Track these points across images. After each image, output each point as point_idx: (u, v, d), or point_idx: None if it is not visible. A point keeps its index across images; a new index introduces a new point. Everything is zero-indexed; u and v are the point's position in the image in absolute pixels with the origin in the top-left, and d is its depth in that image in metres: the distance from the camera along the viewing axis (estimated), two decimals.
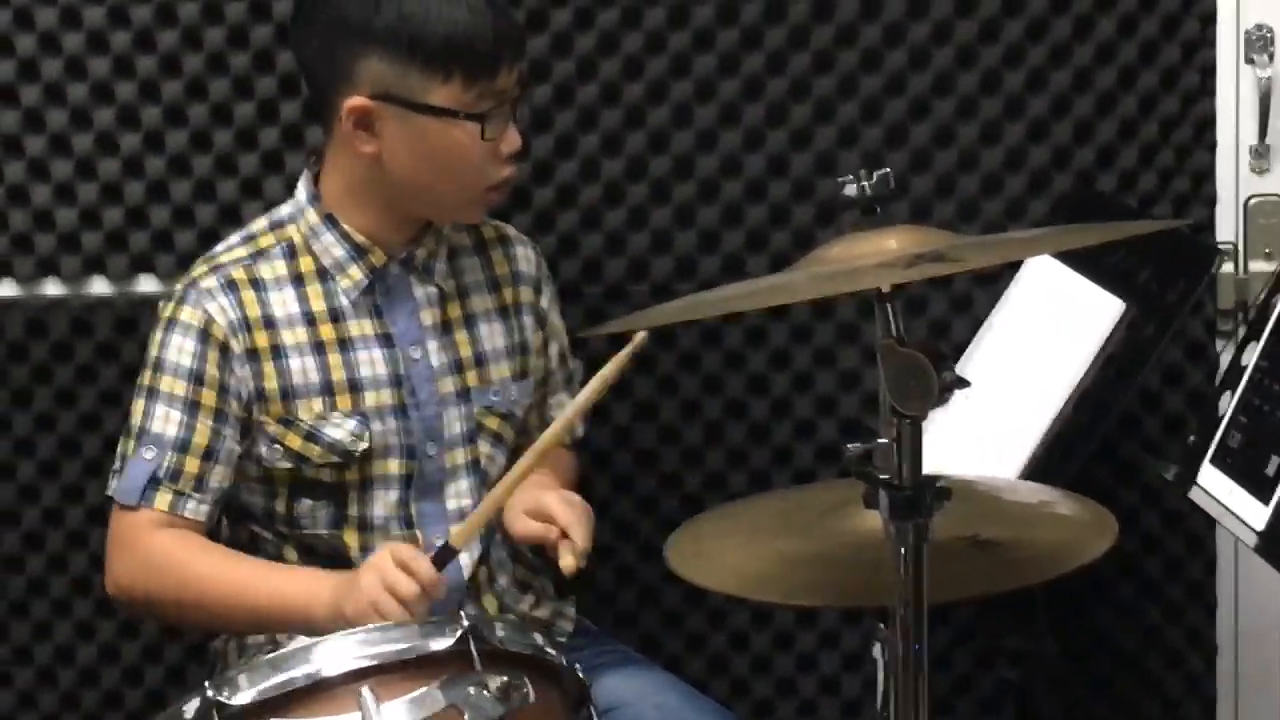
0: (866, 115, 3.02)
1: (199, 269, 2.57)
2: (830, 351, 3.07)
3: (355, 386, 2.54)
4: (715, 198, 3.04)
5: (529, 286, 2.71)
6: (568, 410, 2.46)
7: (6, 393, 3.03)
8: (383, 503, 2.57)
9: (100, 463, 3.01)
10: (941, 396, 1.86)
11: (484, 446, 2.63)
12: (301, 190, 2.59)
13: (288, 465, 2.54)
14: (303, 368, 2.53)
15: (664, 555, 2.15)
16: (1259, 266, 3.03)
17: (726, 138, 3.02)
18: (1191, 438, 2.50)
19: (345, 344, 2.55)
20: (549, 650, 2.11)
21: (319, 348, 2.54)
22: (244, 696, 1.98)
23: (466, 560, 2.59)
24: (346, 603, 2.35)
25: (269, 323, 2.53)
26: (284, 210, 2.61)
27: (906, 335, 1.89)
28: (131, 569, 2.52)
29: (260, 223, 2.62)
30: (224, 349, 2.51)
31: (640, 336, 2.39)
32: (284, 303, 2.54)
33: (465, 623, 2.02)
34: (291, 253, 2.57)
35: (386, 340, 2.57)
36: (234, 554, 2.56)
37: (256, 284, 2.54)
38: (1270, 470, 2.30)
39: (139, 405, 2.53)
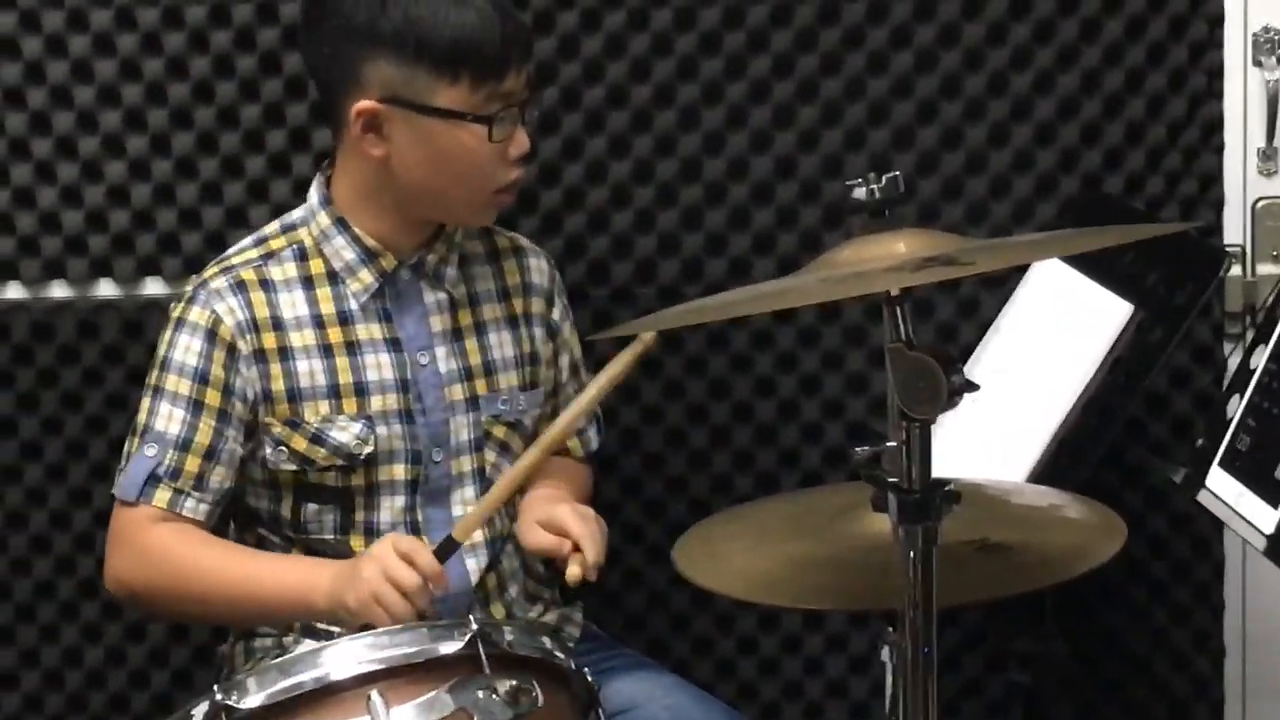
0: (874, 118, 3.02)
1: (210, 270, 2.57)
2: (838, 354, 3.07)
3: (361, 390, 2.54)
4: (722, 200, 3.03)
5: (541, 298, 2.70)
6: (573, 405, 2.46)
7: (13, 396, 3.03)
8: (388, 508, 2.57)
9: (107, 466, 3.00)
10: (950, 400, 1.85)
11: (490, 455, 2.63)
12: (314, 193, 2.59)
13: (292, 468, 2.54)
14: (310, 370, 2.53)
15: (672, 558, 2.14)
16: (1267, 269, 3.03)
17: (734, 140, 3.02)
18: (1200, 441, 2.49)
19: (353, 347, 2.55)
20: (558, 654, 2.11)
21: (327, 350, 2.54)
22: (253, 700, 1.98)
23: (474, 566, 2.59)
24: (348, 592, 2.35)
25: (277, 324, 2.53)
26: (296, 213, 2.61)
27: (915, 338, 1.89)
28: (129, 563, 2.53)
29: (273, 226, 2.62)
30: (231, 349, 2.51)
31: (649, 336, 2.39)
32: (293, 304, 2.54)
33: (474, 626, 2.02)
34: (302, 255, 2.57)
35: (394, 345, 2.57)
36: (233, 546, 2.57)
37: (266, 285, 2.54)
38: (1279, 474, 2.30)
39: (145, 403, 2.54)
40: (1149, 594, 3.13)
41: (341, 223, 2.55)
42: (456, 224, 2.61)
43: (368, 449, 2.54)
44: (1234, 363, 2.99)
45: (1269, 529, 2.30)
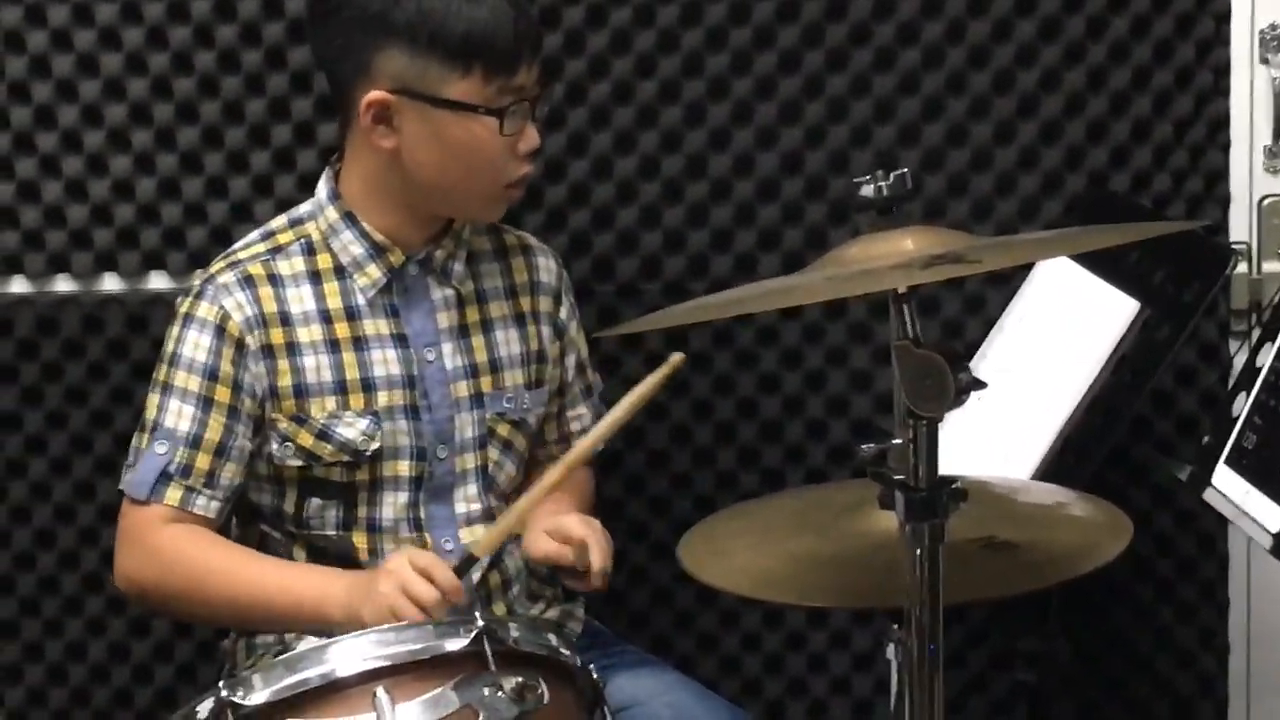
0: (880, 114, 3.01)
1: (217, 264, 2.56)
2: (842, 351, 3.07)
3: (368, 386, 2.54)
4: (728, 197, 3.03)
5: (548, 296, 2.70)
6: (598, 427, 2.46)
7: (17, 390, 3.03)
8: (392, 504, 2.57)
9: (112, 460, 3.00)
10: (958, 398, 1.85)
11: (494, 453, 2.63)
12: (322, 188, 2.58)
13: (298, 463, 2.54)
14: (316, 365, 2.53)
15: (676, 555, 2.14)
16: (1273, 267, 3.03)
17: (740, 137, 3.02)
18: (1206, 438, 2.49)
19: (360, 343, 2.54)
20: (563, 650, 2.11)
21: (333, 345, 2.53)
22: (258, 697, 1.98)
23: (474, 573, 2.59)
24: (364, 606, 2.35)
25: (285, 319, 2.52)
26: (304, 208, 2.61)
27: (921, 336, 1.89)
28: (140, 563, 2.52)
29: (280, 220, 2.61)
30: (239, 345, 2.50)
31: (677, 357, 2.39)
32: (300, 299, 2.53)
33: (480, 623, 2.02)
34: (310, 250, 2.56)
35: (401, 340, 2.56)
36: (245, 550, 2.56)
37: (274, 280, 2.53)
38: None
39: (153, 400, 2.53)
40: (1154, 592, 3.13)
41: (350, 217, 2.55)
42: (464, 218, 2.60)
43: (374, 445, 2.54)
44: (1240, 360, 2.99)
45: (1275, 527, 2.30)
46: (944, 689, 1.94)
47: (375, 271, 2.55)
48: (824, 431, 3.10)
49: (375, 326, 2.55)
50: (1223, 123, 3.01)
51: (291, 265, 2.55)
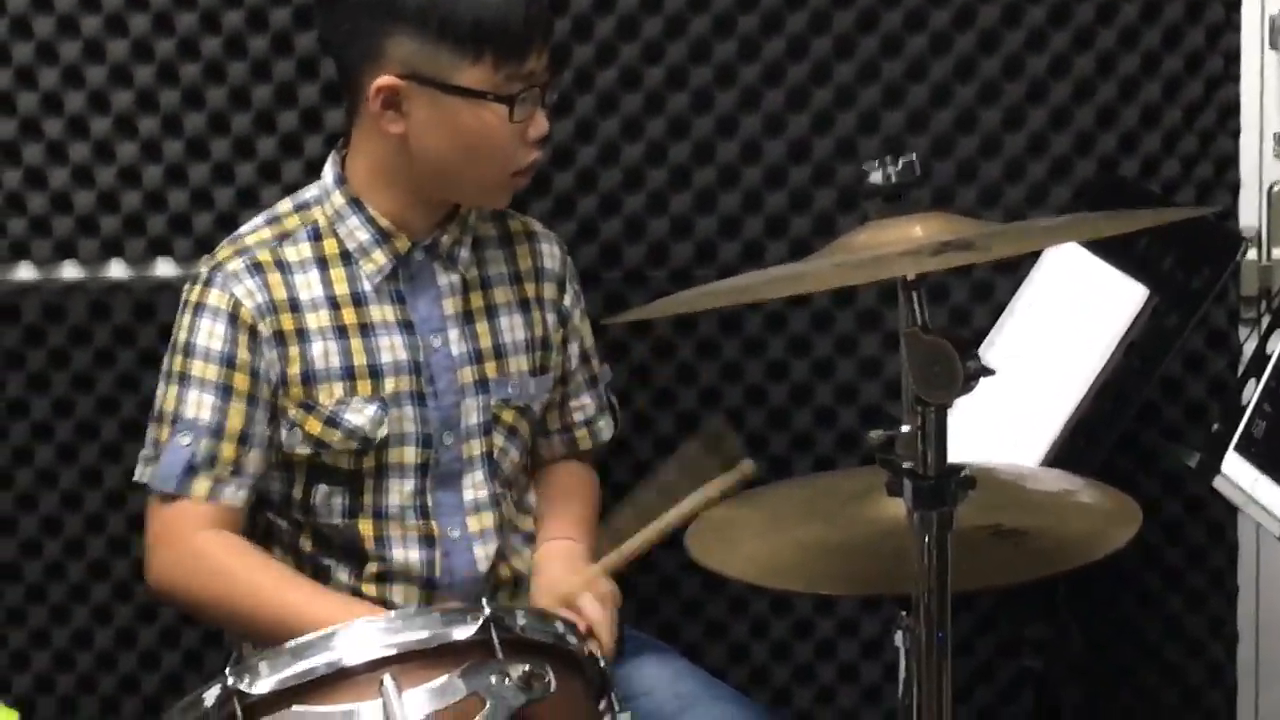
0: (887, 100, 3.01)
1: (224, 251, 2.55)
2: (851, 338, 3.06)
3: (375, 372, 2.53)
4: (736, 183, 3.03)
5: (553, 283, 2.69)
6: (658, 521, 2.47)
7: (24, 377, 3.03)
8: (398, 492, 2.56)
9: (119, 447, 3.01)
10: (966, 385, 1.85)
11: (499, 439, 2.62)
12: (328, 172, 2.57)
13: (307, 451, 2.53)
14: (324, 352, 2.52)
15: (684, 543, 2.14)
16: None
17: (747, 123, 3.01)
18: (1215, 426, 2.48)
19: (366, 329, 2.53)
20: (570, 639, 2.10)
21: (341, 332, 2.53)
22: (265, 684, 1.97)
23: (483, 554, 2.58)
24: None
25: (294, 305, 2.51)
26: (309, 192, 2.60)
27: (929, 322, 1.88)
28: (175, 567, 2.50)
29: (285, 204, 2.61)
30: (253, 332, 2.49)
31: (749, 466, 2.43)
32: (308, 285, 2.52)
33: (487, 611, 2.01)
34: (316, 235, 2.55)
35: (407, 327, 2.55)
36: (283, 569, 2.53)
37: (282, 266, 2.52)
38: None
39: (171, 391, 2.51)
40: (1163, 580, 3.13)
41: (356, 203, 2.54)
42: (471, 205, 2.60)
43: (382, 431, 2.53)
44: (1249, 348, 2.98)
45: None
46: (952, 676, 1.94)
47: (381, 257, 2.54)
48: (832, 419, 3.09)
49: (382, 312, 2.55)
50: (1233, 109, 3.01)
51: (298, 251, 2.54)
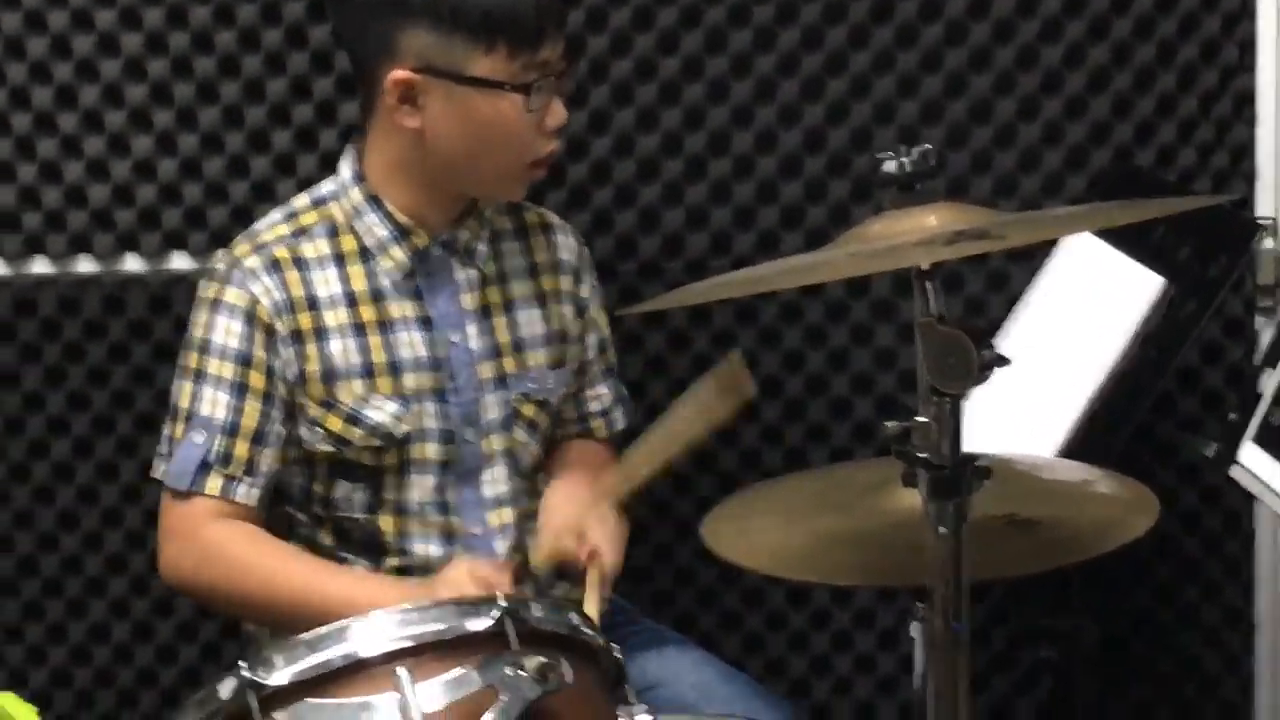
0: (903, 91, 3.00)
1: (241, 247, 2.55)
2: (867, 329, 3.06)
3: (395, 369, 2.53)
4: (751, 174, 3.02)
5: (570, 275, 2.69)
6: (655, 444, 2.45)
7: (40, 370, 3.03)
8: (419, 488, 2.56)
9: (133, 441, 3.01)
10: (981, 375, 1.84)
11: (519, 434, 2.62)
12: (345, 168, 2.57)
13: (328, 448, 2.53)
14: (344, 349, 2.51)
15: (700, 534, 2.13)
16: None
17: (762, 113, 3.01)
18: (1232, 415, 2.48)
19: (385, 325, 2.53)
20: (586, 630, 2.10)
21: (359, 329, 2.52)
22: (280, 676, 1.97)
23: (502, 548, 2.58)
24: None
25: (312, 303, 2.51)
26: (326, 187, 2.59)
27: (945, 313, 1.88)
28: (188, 559, 2.51)
29: (302, 199, 2.60)
30: (270, 330, 2.49)
31: (748, 390, 2.44)
32: (326, 282, 2.52)
33: (502, 603, 2.01)
34: (334, 231, 2.55)
35: (426, 323, 2.55)
36: (295, 551, 2.54)
37: (299, 263, 2.52)
38: None
39: (186, 388, 2.51)
40: (1179, 569, 3.12)
41: (374, 199, 2.53)
42: (489, 198, 2.59)
43: (404, 428, 2.53)
44: (1266, 336, 2.98)
45: None
46: (968, 666, 1.94)
47: (400, 254, 2.53)
48: (847, 409, 3.09)
49: (400, 309, 2.54)
50: (1249, 97, 3.00)
51: (316, 248, 2.54)
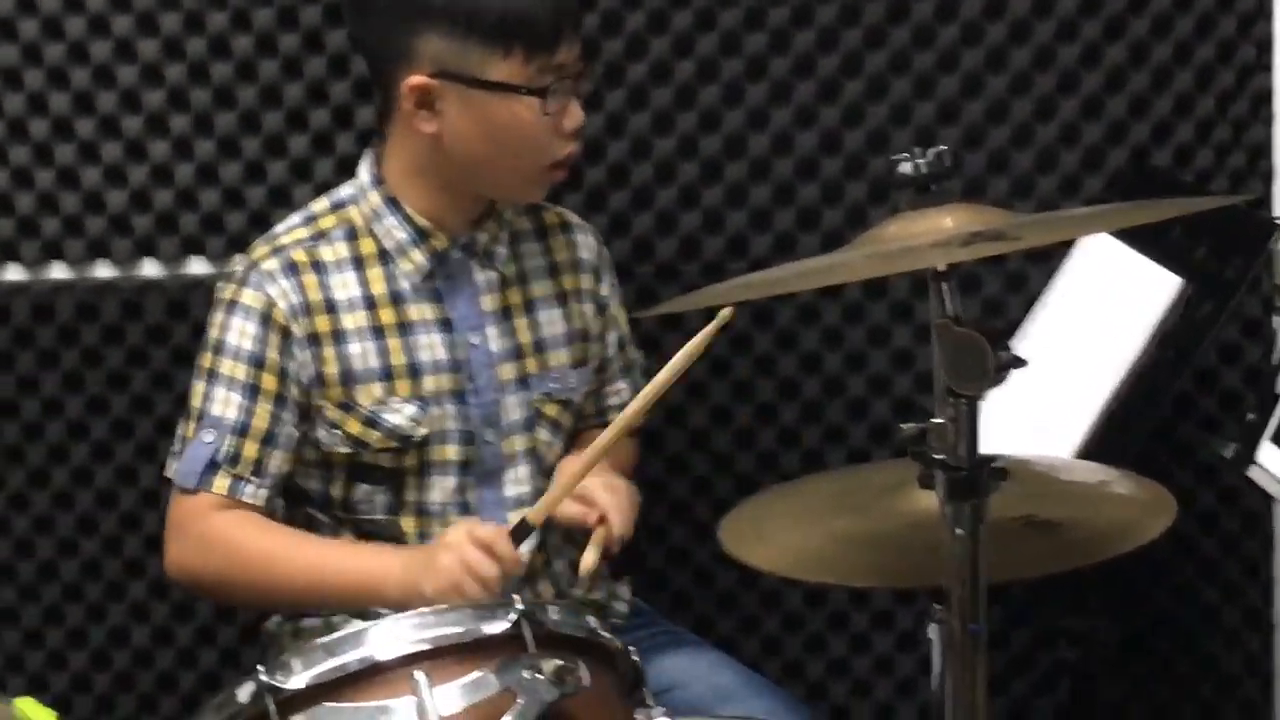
0: (919, 92, 3.00)
1: (260, 250, 2.55)
2: (884, 330, 3.06)
3: (415, 371, 2.53)
4: (767, 176, 3.02)
5: (590, 274, 2.69)
6: (648, 388, 2.43)
7: (58, 376, 3.04)
8: (440, 489, 2.56)
9: (154, 445, 3.01)
10: (998, 376, 1.84)
11: (542, 434, 2.62)
12: (364, 171, 2.57)
13: (346, 450, 2.53)
14: (362, 352, 2.52)
15: (717, 536, 2.13)
16: None
17: (778, 116, 3.01)
18: (1250, 415, 2.47)
19: (405, 328, 2.53)
20: (603, 633, 2.10)
21: (378, 332, 2.53)
22: (298, 680, 1.97)
23: (525, 548, 2.58)
24: (424, 582, 2.35)
25: (330, 306, 2.52)
26: (344, 191, 2.60)
27: (961, 314, 1.88)
28: (192, 552, 2.51)
29: (321, 203, 2.60)
30: (285, 333, 2.49)
31: (727, 311, 2.36)
32: (345, 285, 2.53)
33: (519, 606, 2.01)
34: (352, 235, 2.55)
35: (446, 325, 2.55)
36: (295, 532, 2.55)
37: (318, 267, 2.52)
38: None
39: (199, 388, 2.52)
40: (1198, 570, 3.11)
41: (393, 202, 2.54)
42: (507, 200, 2.59)
43: (422, 430, 2.53)
44: None
45: None
46: (987, 668, 1.94)
47: (419, 257, 2.54)
48: (865, 411, 3.09)
49: (420, 311, 2.55)
50: (1266, 97, 2.99)
51: (335, 251, 2.54)
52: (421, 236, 2.54)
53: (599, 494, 2.47)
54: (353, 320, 2.52)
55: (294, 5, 2.95)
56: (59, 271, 3.02)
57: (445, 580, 2.33)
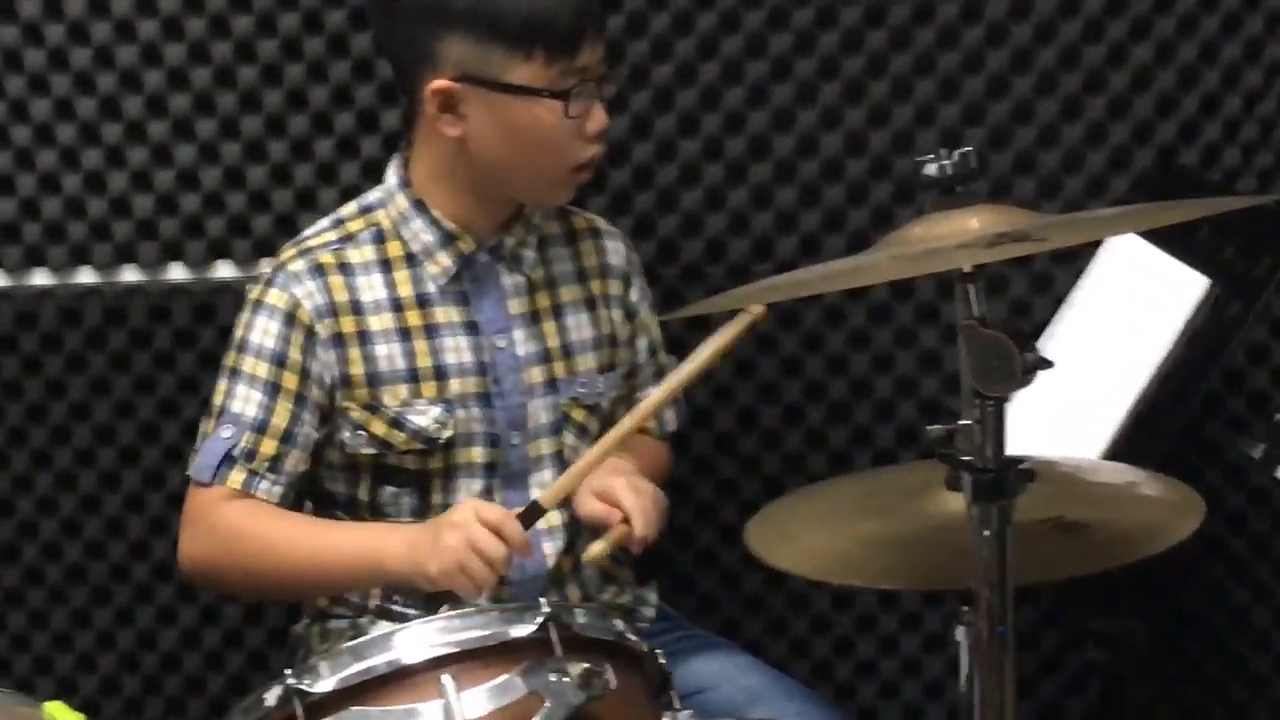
0: (943, 93, 3.00)
1: (287, 253, 2.56)
2: (910, 331, 3.06)
3: (440, 374, 2.53)
4: (792, 178, 3.02)
5: (618, 279, 2.69)
6: (675, 374, 2.43)
7: (86, 381, 3.05)
8: (466, 491, 2.56)
9: (180, 449, 3.01)
10: (1024, 378, 1.84)
11: (569, 438, 2.62)
12: (391, 175, 2.58)
13: (371, 451, 2.54)
14: (389, 354, 2.52)
15: (744, 538, 2.13)
16: None
17: (803, 117, 3.00)
18: (1278, 416, 2.47)
19: (431, 330, 2.54)
20: (630, 636, 2.10)
21: (405, 334, 2.53)
22: (325, 685, 1.98)
23: (551, 550, 2.58)
24: (429, 561, 2.35)
25: (356, 308, 2.52)
26: (373, 195, 2.60)
27: (988, 315, 1.87)
28: (201, 541, 2.52)
29: (350, 207, 2.61)
30: (309, 333, 2.50)
31: (757, 308, 2.35)
32: (371, 287, 2.53)
33: (546, 610, 2.01)
34: (380, 238, 2.56)
35: (472, 328, 2.55)
36: (302, 517, 2.55)
37: (344, 269, 2.53)
38: None
39: (221, 385, 2.53)
40: (1227, 571, 3.10)
41: (420, 205, 2.54)
42: (533, 203, 2.60)
43: (447, 433, 2.53)
44: None
45: None
46: (1015, 669, 1.93)
47: (446, 259, 2.54)
48: (891, 413, 3.09)
49: (446, 314, 2.55)
50: None
51: (362, 253, 2.55)
52: (448, 239, 2.54)
53: (623, 495, 2.46)
54: (379, 322, 2.52)
55: (319, 9, 2.95)
56: (86, 276, 3.02)
57: (450, 559, 2.33)
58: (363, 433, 2.53)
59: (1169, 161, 3.00)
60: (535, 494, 2.58)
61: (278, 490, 2.51)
